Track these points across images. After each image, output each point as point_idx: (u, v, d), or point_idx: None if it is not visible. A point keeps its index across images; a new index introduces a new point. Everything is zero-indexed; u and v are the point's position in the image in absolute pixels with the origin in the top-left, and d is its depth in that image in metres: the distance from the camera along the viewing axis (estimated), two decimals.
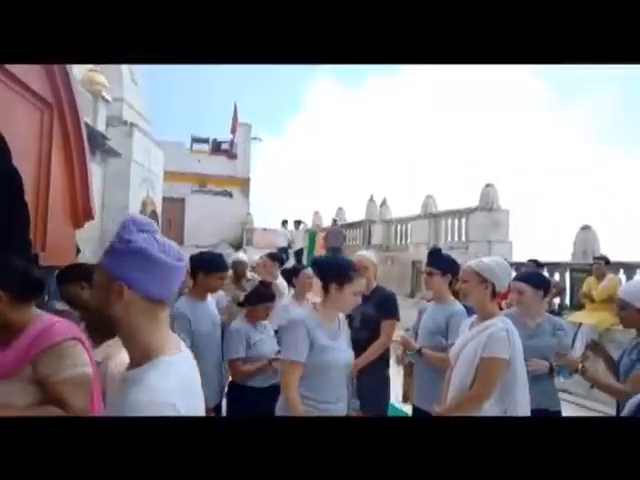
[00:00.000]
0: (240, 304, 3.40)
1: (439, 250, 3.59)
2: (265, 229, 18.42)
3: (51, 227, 3.39)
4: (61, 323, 1.75)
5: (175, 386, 0.99)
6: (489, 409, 2.23)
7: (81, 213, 3.80)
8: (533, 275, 3.15)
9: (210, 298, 3.18)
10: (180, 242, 17.55)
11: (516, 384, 2.27)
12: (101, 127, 8.47)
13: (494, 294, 2.41)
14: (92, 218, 3.93)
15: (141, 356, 1.03)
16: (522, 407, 2.27)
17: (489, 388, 2.22)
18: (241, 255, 4.97)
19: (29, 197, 3.14)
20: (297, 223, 15.38)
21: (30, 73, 3.08)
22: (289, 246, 14.72)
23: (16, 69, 2.87)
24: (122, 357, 1.47)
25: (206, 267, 3.01)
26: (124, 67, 9.95)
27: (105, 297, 1.03)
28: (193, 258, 3.05)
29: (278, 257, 4.91)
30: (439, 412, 2.37)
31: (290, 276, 3.88)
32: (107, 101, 8.41)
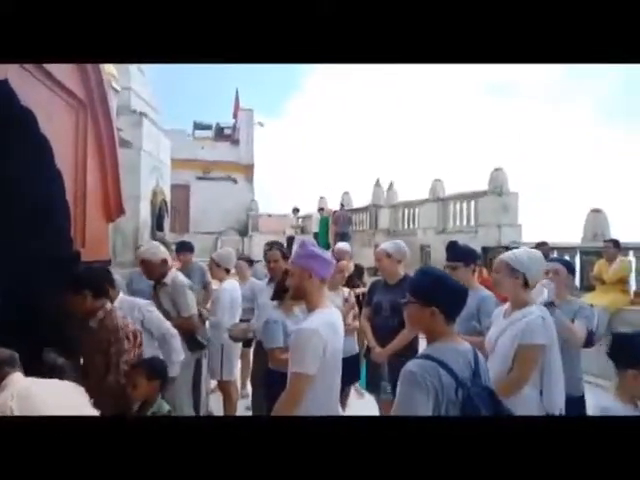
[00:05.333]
0: (273, 298, 3.52)
1: (456, 243, 3.68)
2: (270, 215, 18.50)
3: (88, 223, 3.49)
4: None
5: (322, 323, 2.02)
6: (526, 393, 2.36)
7: (113, 208, 3.90)
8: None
9: None
10: (186, 229, 17.62)
11: (551, 368, 2.39)
12: (113, 118, 8.48)
13: (526, 284, 2.52)
14: (123, 213, 4.03)
15: (310, 309, 2.13)
16: (557, 390, 2.40)
17: (528, 373, 2.34)
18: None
19: (69, 195, 3.23)
20: (295, 211, 15.64)
21: (65, 73, 3.14)
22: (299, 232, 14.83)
23: (53, 69, 2.92)
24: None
25: None
26: None
27: (300, 279, 2.13)
28: None
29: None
30: None
31: None
32: (117, 91, 8.41)
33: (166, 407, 2.56)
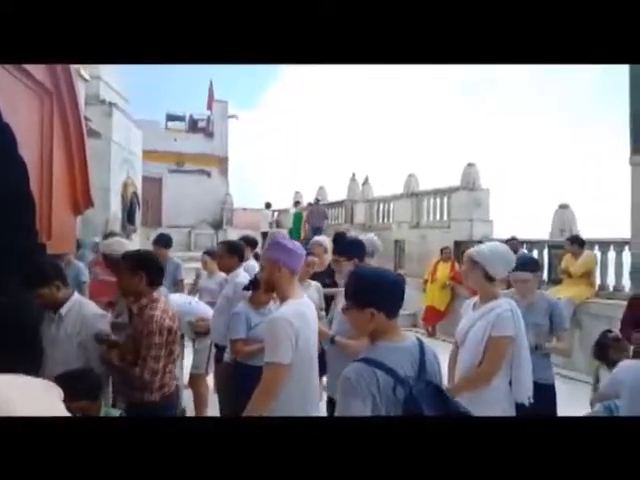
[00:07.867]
0: (245, 288, 3.46)
1: (342, 235, 3.62)
2: (245, 209, 18.31)
3: (55, 216, 3.38)
4: None
5: (292, 312, 2.06)
6: (496, 382, 2.42)
7: (81, 200, 3.78)
8: (531, 262, 3.26)
9: None
10: (158, 223, 17.29)
11: (520, 358, 2.45)
12: (80, 107, 8.22)
13: (489, 277, 2.51)
14: (92, 205, 3.92)
15: (283, 300, 2.16)
16: (525, 380, 2.46)
17: (498, 364, 2.40)
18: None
19: (33, 186, 3.12)
20: (268, 206, 15.57)
21: None
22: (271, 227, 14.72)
23: None
24: None
25: None
26: None
27: (270, 271, 2.17)
28: None
29: (251, 241, 5.18)
30: (449, 389, 2.52)
31: None
32: (85, 80, 8.15)
33: (114, 413, 2.36)
